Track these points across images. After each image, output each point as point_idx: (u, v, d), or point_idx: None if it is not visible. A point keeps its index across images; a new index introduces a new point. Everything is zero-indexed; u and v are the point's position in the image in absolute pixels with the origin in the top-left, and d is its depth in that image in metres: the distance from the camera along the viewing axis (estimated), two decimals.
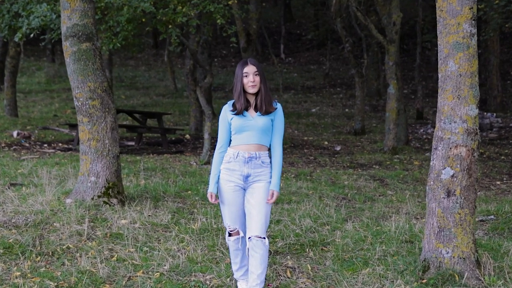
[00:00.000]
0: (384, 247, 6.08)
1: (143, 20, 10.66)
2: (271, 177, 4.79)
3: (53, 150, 12.88)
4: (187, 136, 16.37)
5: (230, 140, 4.82)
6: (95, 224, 6.31)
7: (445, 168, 5.11)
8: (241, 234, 4.84)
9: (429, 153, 14.43)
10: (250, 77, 4.71)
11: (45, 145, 13.93)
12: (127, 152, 13.16)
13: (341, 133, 18.36)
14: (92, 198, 6.98)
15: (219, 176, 4.79)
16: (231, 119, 4.77)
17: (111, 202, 6.98)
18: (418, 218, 7.99)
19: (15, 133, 14.95)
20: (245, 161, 4.72)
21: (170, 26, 10.42)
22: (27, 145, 13.81)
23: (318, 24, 33.55)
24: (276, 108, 4.79)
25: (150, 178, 9.56)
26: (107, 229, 6.21)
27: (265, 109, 4.72)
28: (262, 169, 4.76)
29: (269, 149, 4.85)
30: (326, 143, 16.27)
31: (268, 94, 4.77)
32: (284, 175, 10.77)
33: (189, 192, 8.53)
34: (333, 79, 28.95)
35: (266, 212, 4.72)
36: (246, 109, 4.77)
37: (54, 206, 6.77)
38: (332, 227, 6.95)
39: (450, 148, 5.07)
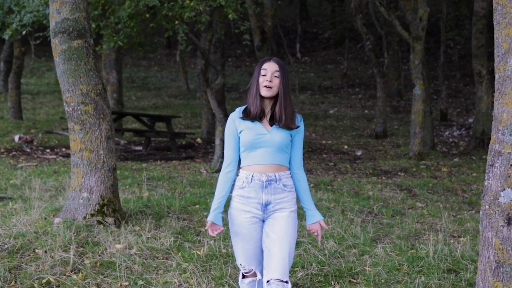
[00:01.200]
0: (423, 279, 5.15)
1: (147, 15, 9.77)
2: (295, 204, 3.87)
3: (54, 156, 12.05)
4: (199, 140, 15.48)
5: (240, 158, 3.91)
6: (85, 250, 5.41)
7: (504, 189, 4.16)
8: (258, 276, 3.90)
9: (457, 158, 13.43)
10: (267, 76, 3.79)
11: (48, 150, 13.11)
12: (134, 158, 12.30)
13: (362, 136, 17.39)
14: (84, 217, 6.10)
15: (223, 203, 3.86)
16: (241, 131, 3.83)
17: (106, 222, 6.08)
18: (455, 237, 7.05)
19: (16, 138, 14.15)
20: (262, 186, 3.77)
21: (176, 22, 9.49)
22: (28, 150, 13.00)
23: (335, 22, 32.62)
24: (298, 126, 3.87)
25: (155, 189, 8.68)
26: (98, 256, 5.31)
27: (285, 122, 3.79)
28: (285, 194, 3.81)
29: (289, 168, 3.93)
30: (346, 147, 15.31)
31: (290, 104, 3.83)
32: None
33: (197, 206, 7.64)
34: (351, 79, 27.96)
35: (289, 249, 3.77)
36: (260, 119, 3.83)
37: (40, 227, 5.89)
38: (359, 250, 6.02)
39: (511, 165, 4.12)
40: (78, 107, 6.10)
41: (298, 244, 6.14)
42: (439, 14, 22.88)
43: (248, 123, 3.81)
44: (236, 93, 25.55)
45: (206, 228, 3.88)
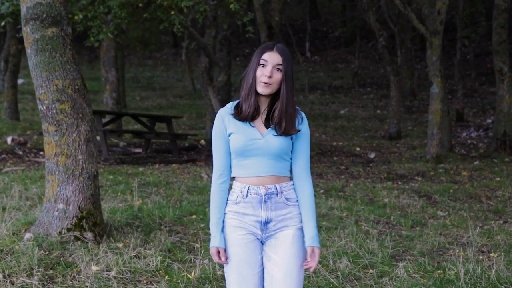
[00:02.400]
0: None
1: (140, 5, 8.94)
2: (302, 221, 3.08)
3: None
4: (202, 141, 14.66)
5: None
6: (54, 273, 4.60)
7: None
8: None
9: (478, 161, 12.55)
10: (267, 68, 3.00)
11: (41, 152, 12.33)
12: (131, 161, 11.51)
13: (374, 137, 16.52)
14: (60, 232, 5.29)
15: (222, 220, 3.09)
16: (230, 134, 3.05)
17: (85, 238, 5.28)
18: (484, 252, 6.20)
19: (9, 139, 13.39)
20: (261, 201, 3.02)
21: (172, 13, 8.66)
22: (20, 153, 12.23)
23: (345, 20, 31.80)
24: (299, 130, 3.08)
25: (149, 197, 7.88)
26: (69, 281, 4.49)
27: (285, 127, 3.02)
28: (288, 209, 3.06)
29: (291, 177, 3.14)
30: (358, 149, 14.46)
31: (292, 105, 3.05)
32: None
33: (194, 216, 6.83)
34: (362, 78, 27.10)
35: (298, 276, 3.03)
36: (253, 119, 3.05)
37: (6, 245, 5.08)
38: (378, 271, 5.19)
39: None
40: (53, 105, 5.30)
41: None
42: (453, 11, 21.99)
43: (239, 124, 3.05)
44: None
45: (217, 259, 3.06)
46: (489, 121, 18.50)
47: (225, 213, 3.09)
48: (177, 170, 10.49)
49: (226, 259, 3.04)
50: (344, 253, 5.55)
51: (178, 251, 5.34)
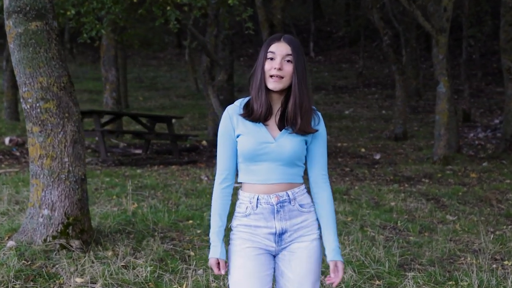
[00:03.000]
0: None
1: (134, 0, 8.58)
2: (319, 228, 2.79)
3: None
4: (204, 142, 14.33)
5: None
6: (35, 286, 4.26)
7: None
8: None
9: (486, 163, 12.17)
10: (276, 61, 2.70)
11: None
12: (130, 162, 11.18)
13: (380, 138, 16.15)
14: (45, 240, 4.95)
15: (224, 227, 2.79)
16: (238, 135, 2.74)
17: (71, 246, 4.94)
18: (497, 260, 5.85)
19: (7, 140, 13.09)
20: (273, 211, 2.73)
21: (168, 8, 8.31)
22: (17, 154, 11.94)
23: (349, 19, 31.47)
24: (316, 130, 2.77)
25: (145, 200, 7.56)
26: None
27: (301, 125, 2.71)
28: (303, 217, 2.77)
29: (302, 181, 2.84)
30: (363, 150, 14.09)
31: (307, 100, 2.75)
32: None
33: (190, 222, 6.49)
34: (367, 78, 26.73)
35: None
36: (265, 120, 2.74)
37: None
38: (385, 283, 4.84)
39: None
40: (37, 104, 4.96)
41: None
42: (458, 10, 21.60)
43: (249, 125, 2.73)
44: (246, 94, 24.43)
45: (217, 270, 2.76)
46: (496, 121, 18.12)
47: (233, 228, 2.79)
48: (177, 172, 10.15)
49: (225, 269, 2.75)
50: (348, 263, 5.21)
51: (170, 260, 5.00)
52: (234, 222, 2.77)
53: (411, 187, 9.64)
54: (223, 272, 2.73)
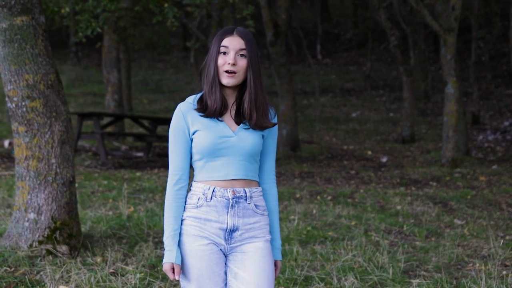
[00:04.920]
0: None
1: None
2: (269, 233, 2.74)
3: None
4: None
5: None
6: None
7: None
8: None
9: (496, 166, 11.87)
10: (230, 56, 2.62)
11: None
12: (131, 165, 10.96)
13: (387, 141, 15.87)
14: (30, 245, 4.72)
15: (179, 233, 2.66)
16: (195, 132, 2.64)
17: (58, 251, 4.70)
18: (507, 266, 5.58)
19: (6, 143, 12.91)
20: (228, 205, 2.65)
21: (166, 5, 8.07)
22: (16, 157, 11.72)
23: (357, 21, 31.23)
24: (275, 124, 2.73)
25: (142, 203, 7.33)
26: None
27: (257, 120, 2.65)
28: (257, 218, 2.70)
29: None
30: (369, 153, 13.82)
31: (262, 94, 2.67)
32: (319, 198, 8.41)
33: None
34: (375, 81, 26.44)
35: None
36: (221, 115, 2.65)
37: None
38: None
39: None
40: (23, 103, 4.73)
41: (307, 279, 4.72)
42: (467, 12, 21.30)
43: (204, 121, 2.64)
44: None
45: (171, 276, 2.61)
46: (506, 124, 17.79)
47: (183, 220, 2.64)
48: None
49: (178, 274, 2.61)
50: (350, 269, 4.95)
51: (162, 266, 4.75)
52: (184, 214, 2.65)
53: (418, 191, 9.36)
54: (177, 277, 2.60)
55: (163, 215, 2.69)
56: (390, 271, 4.97)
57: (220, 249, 2.65)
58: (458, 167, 11.50)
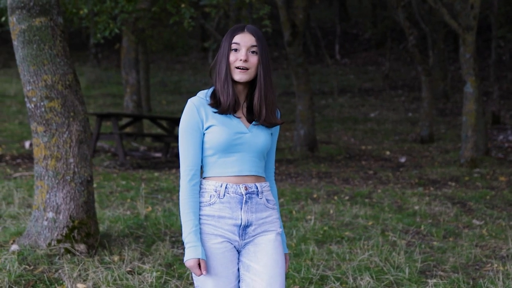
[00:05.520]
0: None
1: None
2: (281, 226, 2.77)
3: None
4: None
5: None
6: None
7: None
8: None
9: None
10: (241, 52, 2.64)
11: None
12: (149, 166, 11.03)
13: (405, 141, 15.79)
14: (49, 244, 4.77)
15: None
16: (209, 127, 2.63)
17: (76, 250, 4.75)
18: None
19: (27, 144, 13.02)
20: (241, 201, 2.66)
21: (183, 6, 8.11)
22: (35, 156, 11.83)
23: (376, 20, 31.11)
24: (282, 122, 2.79)
25: (160, 203, 7.36)
26: None
27: (265, 115, 2.68)
28: (268, 212, 2.73)
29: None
30: (387, 153, 13.77)
31: (272, 91, 2.70)
32: (336, 198, 8.40)
33: None
34: (393, 81, 26.31)
35: (281, 286, 2.67)
36: (234, 112, 2.68)
37: None
38: None
39: None
40: (42, 103, 4.79)
41: (322, 278, 4.72)
42: (487, 10, 21.13)
43: (218, 116, 2.65)
44: None
45: (197, 272, 2.59)
46: None
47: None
48: None
49: (205, 270, 2.60)
50: (366, 269, 4.94)
51: (178, 265, 4.78)
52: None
53: (436, 191, 9.31)
54: (204, 273, 2.59)
55: (180, 215, 2.70)
56: (407, 271, 4.95)
57: (234, 246, 2.66)
58: (477, 167, 11.42)
